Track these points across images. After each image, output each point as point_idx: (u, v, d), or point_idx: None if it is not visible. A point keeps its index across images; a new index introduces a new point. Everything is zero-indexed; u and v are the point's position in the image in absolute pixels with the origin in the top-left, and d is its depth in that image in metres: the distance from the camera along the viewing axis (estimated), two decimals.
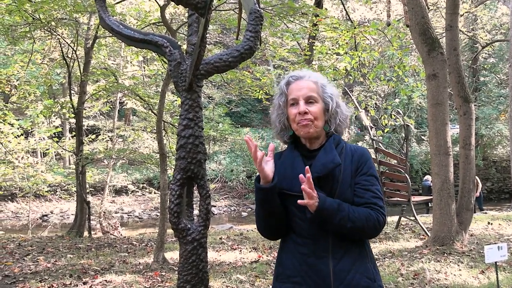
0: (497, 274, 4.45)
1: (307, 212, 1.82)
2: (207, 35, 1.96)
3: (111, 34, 9.53)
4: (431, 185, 8.47)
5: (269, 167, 1.86)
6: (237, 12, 9.38)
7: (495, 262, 4.29)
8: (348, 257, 1.83)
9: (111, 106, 16.60)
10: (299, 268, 1.87)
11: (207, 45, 2.17)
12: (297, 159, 1.95)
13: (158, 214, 17.42)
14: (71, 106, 10.98)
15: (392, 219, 10.58)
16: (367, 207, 1.84)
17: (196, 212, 2.25)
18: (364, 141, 22.89)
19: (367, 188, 1.86)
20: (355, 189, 1.87)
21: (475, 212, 14.04)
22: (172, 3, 8.79)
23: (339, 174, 1.86)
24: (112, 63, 13.64)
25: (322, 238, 1.85)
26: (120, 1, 9.83)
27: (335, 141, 1.95)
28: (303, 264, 1.86)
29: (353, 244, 1.86)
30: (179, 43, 2.30)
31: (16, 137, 12.38)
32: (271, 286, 5.23)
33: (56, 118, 17.44)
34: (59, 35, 10.34)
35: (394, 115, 9.71)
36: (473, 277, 5.57)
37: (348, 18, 11.14)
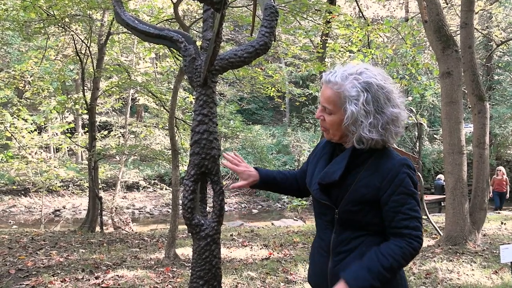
0: None
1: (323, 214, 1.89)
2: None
3: (124, 31, 9.54)
4: (444, 184, 8.40)
5: (244, 179, 2.11)
6: (250, 9, 9.38)
7: (511, 262, 4.24)
8: (348, 262, 1.78)
9: (124, 103, 16.70)
10: (312, 259, 2.01)
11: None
12: (325, 156, 1.94)
13: (169, 210, 17.49)
14: (84, 102, 11.05)
15: None
16: (396, 234, 1.74)
17: (209, 208, 2.25)
18: None
19: (396, 210, 1.73)
20: (386, 210, 1.75)
21: (496, 211, 13.93)
22: None
23: (351, 183, 1.77)
24: (125, 60, 13.71)
25: (325, 238, 1.88)
26: None
27: (359, 148, 1.78)
28: (314, 256, 1.97)
29: (357, 252, 1.78)
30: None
31: (30, 133, 12.50)
32: (282, 284, 5.23)
33: (69, 114, 17.60)
34: (72, 31, 10.40)
35: (407, 113, 9.63)
36: (486, 277, 5.52)
37: (361, 15, 11.07)
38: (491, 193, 14.74)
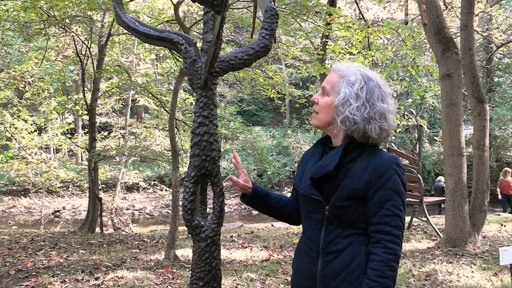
0: None
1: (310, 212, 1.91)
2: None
3: (124, 32, 9.53)
4: (444, 186, 8.40)
5: (242, 180, 2.12)
6: (251, 11, 9.38)
7: (510, 264, 4.24)
8: (338, 262, 1.78)
9: (124, 103, 16.71)
10: (296, 262, 1.99)
11: None
12: (315, 156, 1.97)
13: (169, 211, 17.47)
14: (84, 103, 11.05)
15: None
16: (376, 232, 1.76)
17: (209, 210, 2.25)
18: None
19: (380, 205, 1.76)
20: (371, 205, 1.77)
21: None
22: (186, 0, 8.81)
23: (343, 179, 1.80)
24: (125, 61, 13.70)
25: (314, 238, 1.87)
26: None
27: (350, 144, 1.84)
28: (300, 260, 1.95)
29: (348, 252, 1.78)
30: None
31: (30, 133, 12.50)
32: (282, 285, 5.22)
33: (69, 115, 17.61)
34: (73, 32, 10.41)
35: (407, 115, 9.63)
36: (486, 279, 5.52)
37: (361, 17, 11.08)
38: (499, 195, 14.47)
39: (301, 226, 2.06)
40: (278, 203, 2.16)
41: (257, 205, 2.18)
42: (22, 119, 12.16)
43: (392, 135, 1.89)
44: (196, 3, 1.86)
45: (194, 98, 2.21)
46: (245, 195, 2.15)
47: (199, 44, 2.46)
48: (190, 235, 2.16)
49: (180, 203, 2.32)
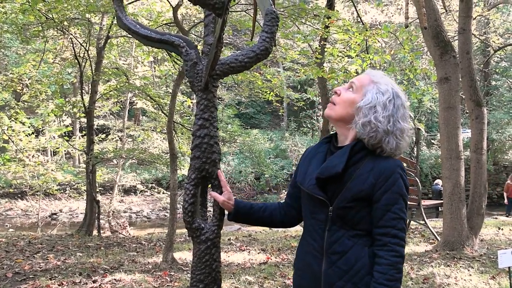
0: (510, 279, 4.40)
1: (314, 212, 1.90)
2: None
3: (123, 34, 9.52)
4: (442, 189, 8.40)
5: (225, 197, 2.10)
6: (249, 14, 9.39)
7: (509, 267, 4.25)
8: (343, 263, 1.79)
9: (121, 106, 16.68)
10: (298, 262, 1.98)
11: None
12: (319, 155, 1.97)
13: (166, 214, 17.44)
14: (82, 105, 11.04)
15: None
16: (382, 235, 1.77)
17: (209, 213, 2.25)
18: None
19: (387, 208, 1.77)
20: (377, 208, 1.79)
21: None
22: (184, 3, 8.81)
23: (348, 180, 1.80)
24: (123, 63, 13.71)
25: (317, 238, 1.87)
26: (132, 2, 9.88)
27: (357, 146, 1.84)
28: (302, 260, 1.95)
29: (352, 253, 1.79)
30: None
31: (27, 136, 12.48)
32: None
33: (66, 117, 17.57)
34: (71, 34, 10.41)
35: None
36: (483, 282, 5.53)
37: (359, 20, 11.10)
38: (506, 200, 14.43)
39: (299, 228, 2.06)
40: (265, 212, 2.14)
41: (243, 219, 2.17)
42: (20, 122, 12.14)
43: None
44: (196, 5, 1.87)
45: (193, 101, 2.22)
46: (229, 213, 2.14)
47: (199, 47, 2.46)
48: (188, 238, 2.16)
49: (180, 205, 2.31)
